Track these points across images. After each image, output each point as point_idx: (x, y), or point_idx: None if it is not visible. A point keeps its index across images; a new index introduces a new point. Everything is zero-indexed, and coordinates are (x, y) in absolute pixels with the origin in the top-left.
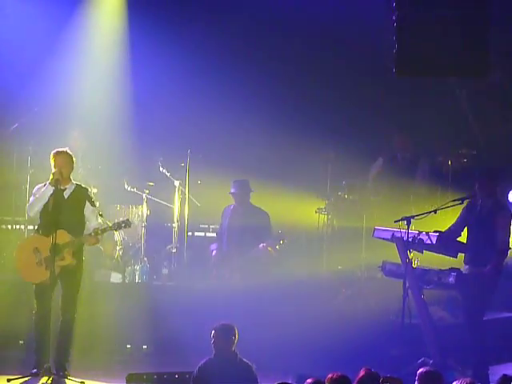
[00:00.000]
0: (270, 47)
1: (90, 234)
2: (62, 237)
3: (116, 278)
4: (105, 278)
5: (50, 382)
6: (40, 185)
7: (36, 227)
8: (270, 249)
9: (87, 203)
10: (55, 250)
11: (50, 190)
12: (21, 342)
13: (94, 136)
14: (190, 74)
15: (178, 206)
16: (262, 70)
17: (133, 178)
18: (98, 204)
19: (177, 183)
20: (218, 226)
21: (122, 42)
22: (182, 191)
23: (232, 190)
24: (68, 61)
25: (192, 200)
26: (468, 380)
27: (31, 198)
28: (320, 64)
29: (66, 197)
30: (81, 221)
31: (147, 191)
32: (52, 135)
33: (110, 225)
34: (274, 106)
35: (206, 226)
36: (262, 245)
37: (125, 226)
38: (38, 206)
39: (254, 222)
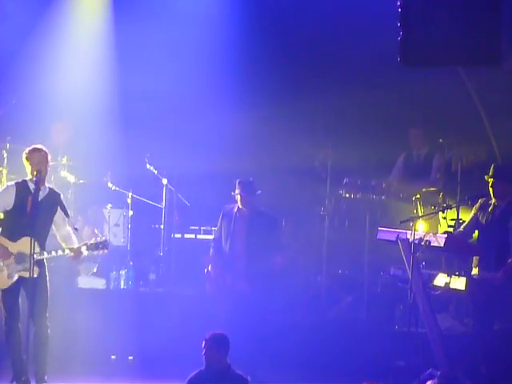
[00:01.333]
0: (267, 39)
1: (73, 248)
2: (29, 246)
3: (100, 283)
4: (87, 284)
5: None
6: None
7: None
8: None
9: (59, 209)
10: (20, 258)
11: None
12: None
13: (76, 131)
14: (179, 66)
15: (166, 206)
16: (258, 63)
17: (117, 176)
18: (79, 204)
19: (165, 181)
20: (209, 228)
21: (107, 33)
22: (170, 190)
23: (237, 191)
24: (49, 52)
25: (181, 199)
26: None
27: None
28: (319, 58)
29: (38, 200)
30: (47, 229)
31: (132, 190)
32: (31, 130)
33: (88, 244)
34: (271, 101)
35: (197, 228)
36: (279, 257)
37: (102, 248)
38: None
39: (262, 227)
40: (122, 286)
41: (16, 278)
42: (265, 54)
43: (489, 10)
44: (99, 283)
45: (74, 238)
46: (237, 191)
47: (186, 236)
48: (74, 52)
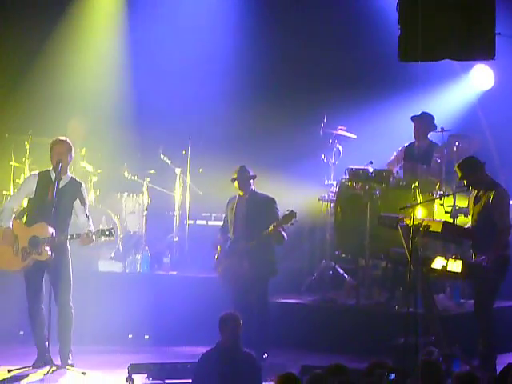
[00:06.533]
0: (274, 32)
1: (87, 234)
2: (43, 230)
3: (117, 267)
4: (106, 267)
5: (51, 372)
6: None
7: (16, 214)
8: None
9: (77, 199)
10: (33, 242)
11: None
12: (21, 332)
13: (94, 124)
14: (190, 60)
15: (179, 195)
16: (267, 57)
17: (133, 166)
18: (98, 193)
19: (178, 171)
20: (219, 214)
21: (123, 27)
22: (183, 179)
23: (233, 177)
24: (67, 48)
25: (193, 188)
26: (467, 369)
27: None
28: (324, 49)
29: (59, 188)
30: (67, 215)
31: (148, 179)
32: (52, 125)
33: (97, 230)
34: (277, 92)
35: (208, 215)
36: (272, 225)
37: (108, 235)
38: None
39: (259, 209)
40: (138, 270)
41: (29, 260)
42: (266, 51)
43: (485, 7)
44: (117, 267)
45: (92, 226)
46: (232, 177)
47: (198, 222)
48: (92, 47)
